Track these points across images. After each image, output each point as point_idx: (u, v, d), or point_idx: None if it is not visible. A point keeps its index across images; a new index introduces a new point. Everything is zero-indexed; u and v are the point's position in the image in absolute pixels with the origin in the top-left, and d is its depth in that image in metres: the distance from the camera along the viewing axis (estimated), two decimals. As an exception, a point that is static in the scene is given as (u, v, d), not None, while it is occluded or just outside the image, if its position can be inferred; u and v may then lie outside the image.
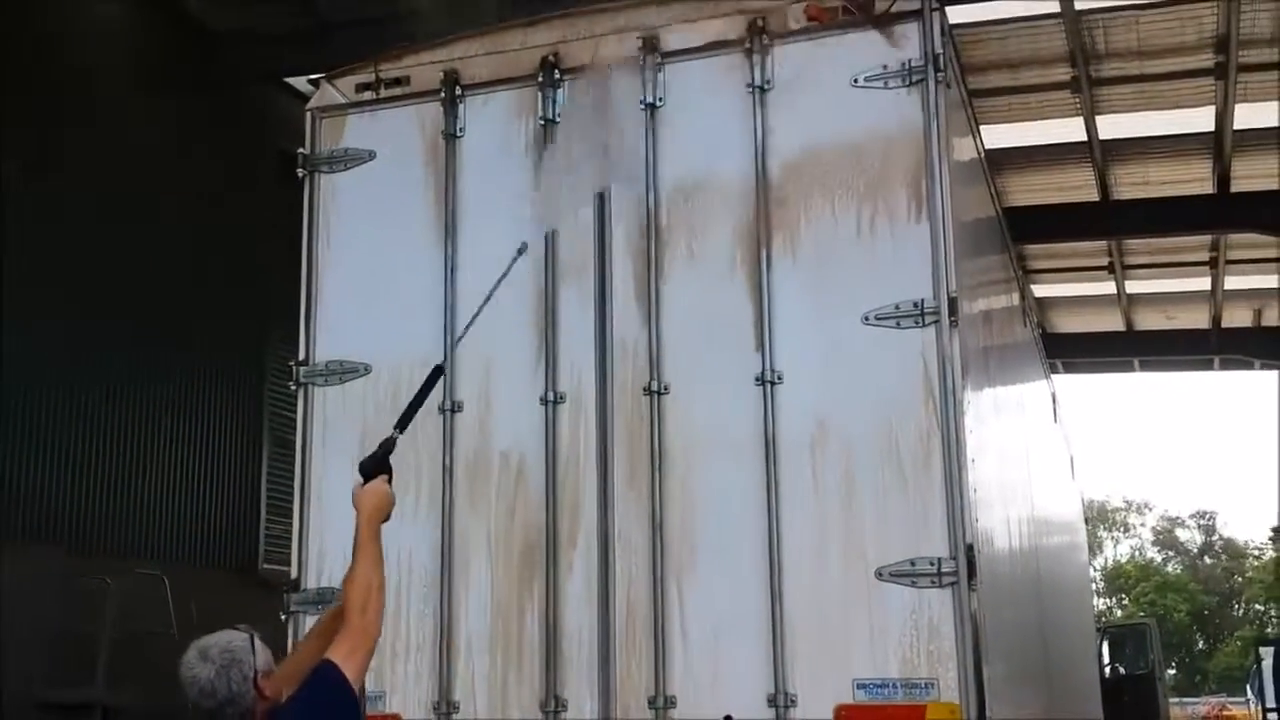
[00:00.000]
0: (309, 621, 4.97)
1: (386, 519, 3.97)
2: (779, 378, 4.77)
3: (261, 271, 7.82)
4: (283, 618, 4.98)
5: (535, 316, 5.05)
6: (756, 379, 4.77)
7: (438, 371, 4.26)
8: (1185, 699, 45.38)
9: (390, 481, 3.96)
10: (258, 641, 3.84)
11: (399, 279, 5.27)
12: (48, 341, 8.28)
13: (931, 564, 4.49)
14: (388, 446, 4.01)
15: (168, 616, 7.20)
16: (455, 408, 5.07)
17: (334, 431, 5.20)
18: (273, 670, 3.83)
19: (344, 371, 5.23)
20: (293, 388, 5.26)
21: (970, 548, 4.47)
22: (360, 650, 3.79)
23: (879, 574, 4.53)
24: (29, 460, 8.42)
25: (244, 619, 4.41)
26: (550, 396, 4.97)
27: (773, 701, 4.55)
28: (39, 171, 8.19)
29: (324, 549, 5.11)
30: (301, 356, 5.29)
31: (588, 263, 5.05)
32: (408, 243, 5.28)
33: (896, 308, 4.69)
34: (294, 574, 5.09)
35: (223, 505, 10.03)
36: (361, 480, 3.91)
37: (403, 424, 4.13)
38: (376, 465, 3.99)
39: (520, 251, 4.52)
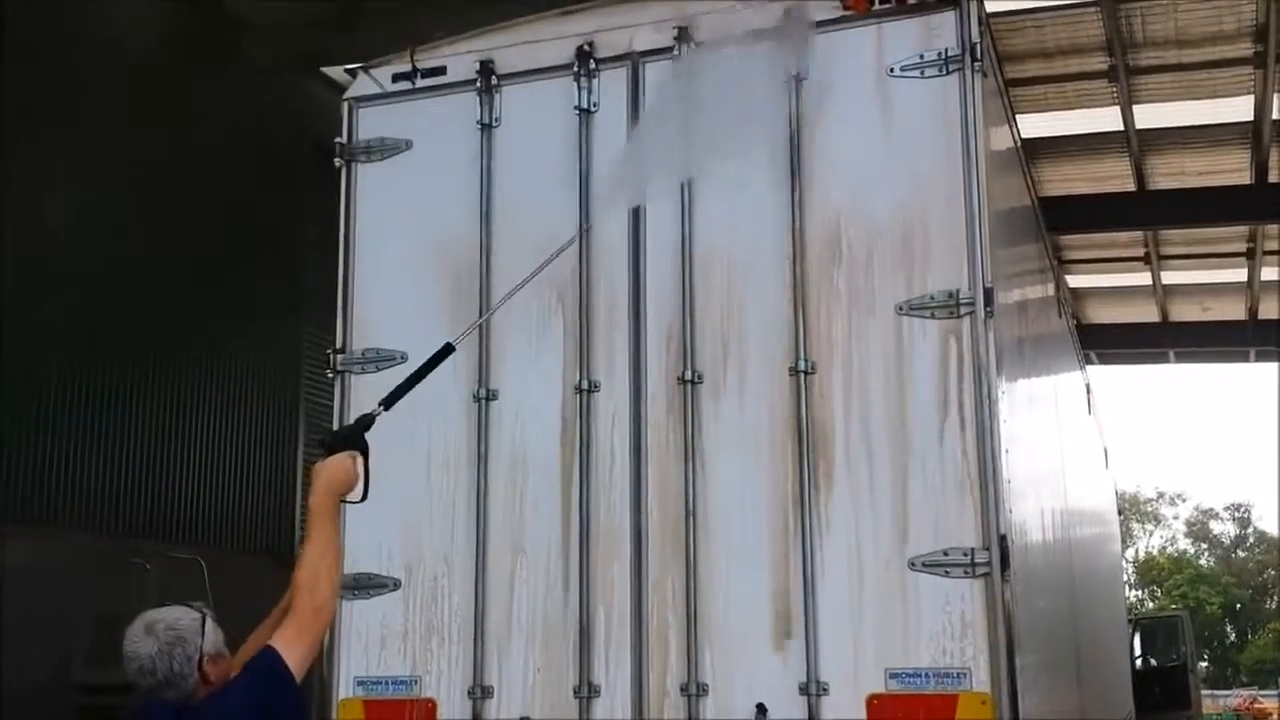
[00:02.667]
0: (345, 606, 5.03)
1: (350, 495, 3.73)
2: (812, 367, 4.77)
3: (298, 260, 7.88)
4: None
5: (570, 305, 5.07)
6: (790, 369, 4.78)
7: (447, 349, 4.12)
8: (1217, 691, 45.14)
9: (366, 459, 3.76)
10: (210, 622, 3.65)
11: (435, 268, 5.30)
12: (82, 327, 8.35)
13: (965, 554, 4.49)
14: (365, 422, 3.82)
15: (205, 600, 7.24)
16: (490, 396, 5.10)
17: (371, 419, 5.22)
18: (222, 655, 3.65)
19: (380, 360, 5.26)
20: (329, 375, 5.31)
21: (1004, 538, 4.47)
22: (307, 635, 3.60)
23: (912, 564, 4.54)
24: (66, 447, 8.50)
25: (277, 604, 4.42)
26: (584, 385, 4.99)
27: (804, 690, 4.56)
28: (73, 159, 8.24)
29: (358, 535, 5.13)
30: (338, 345, 5.33)
31: (622, 253, 5.07)
32: (444, 232, 5.31)
33: (931, 298, 4.69)
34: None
35: (258, 491, 10.11)
36: (324, 453, 3.73)
37: (389, 401, 3.94)
38: (344, 440, 3.80)
39: (571, 241, 4.49)
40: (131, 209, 8.54)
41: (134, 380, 8.93)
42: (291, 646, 3.55)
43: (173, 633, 3.56)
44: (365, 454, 3.79)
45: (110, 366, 8.70)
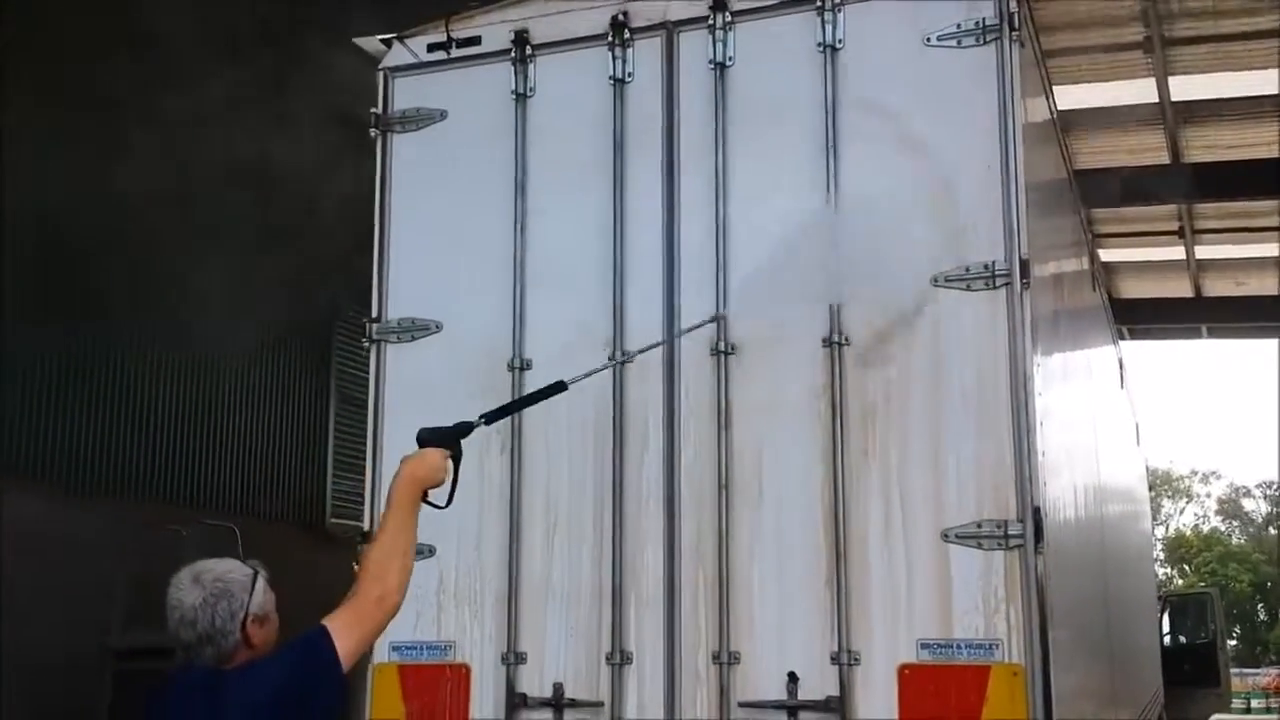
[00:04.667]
0: (380, 574, 5.06)
1: (428, 490, 3.65)
2: (846, 339, 4.77)
3: (332, 229, 7.90)
4: (355, 567, 5.05)
5: (603, 275, 5.08)
6: (824, 340, 4.78)
7: (559, 387, 4.06)
8: (1246, 669, 44.98)
9: (457, 465, 3.71)
10: (261, 581, 3.51)
11: (470, 237, 5.32)
12: (113, 295, 8.40)
13: (998, 526, 4.49)
14: (463, 428, 3.76)
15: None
16: (525, 365, 5.12)
17: (405, 388, 5.27)
18: (269, 618, 3.50)
19: (415, 329, 5.29)
20: (365, 345, 5.34)
21: (1037, 510, 4.47)
22: (366, 624, 3.45)
23: (945, 535, 4.54)
24: (99, 415, 8.56)
25: (312, 573, 4.43)
26: (618, 355, 5.00)
27: (836, 659, 4.58)
28: (101, 130, 8.28)
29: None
30: (374, 314, 5.36)
31: (656, 223, 5.07)
32: (479, 201, 5.32)
33: (967, 270, 4.67)
34: (366, 527, 5.17)
35: (291, 460, 10.17)
36: (417, 446, 3.68)
37: (491, 418, 3.91)
38: (439, 437, 3.74)
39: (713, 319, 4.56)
40: (159, 179, 8.56)
41: (166, 350, 8.98)
42: (346, 631, 3.41)
43: (220, 585, 3.43)
44: (458, 460, 3.74)
45: (141, 336, 8.75)
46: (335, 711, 3.57)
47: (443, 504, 3.76)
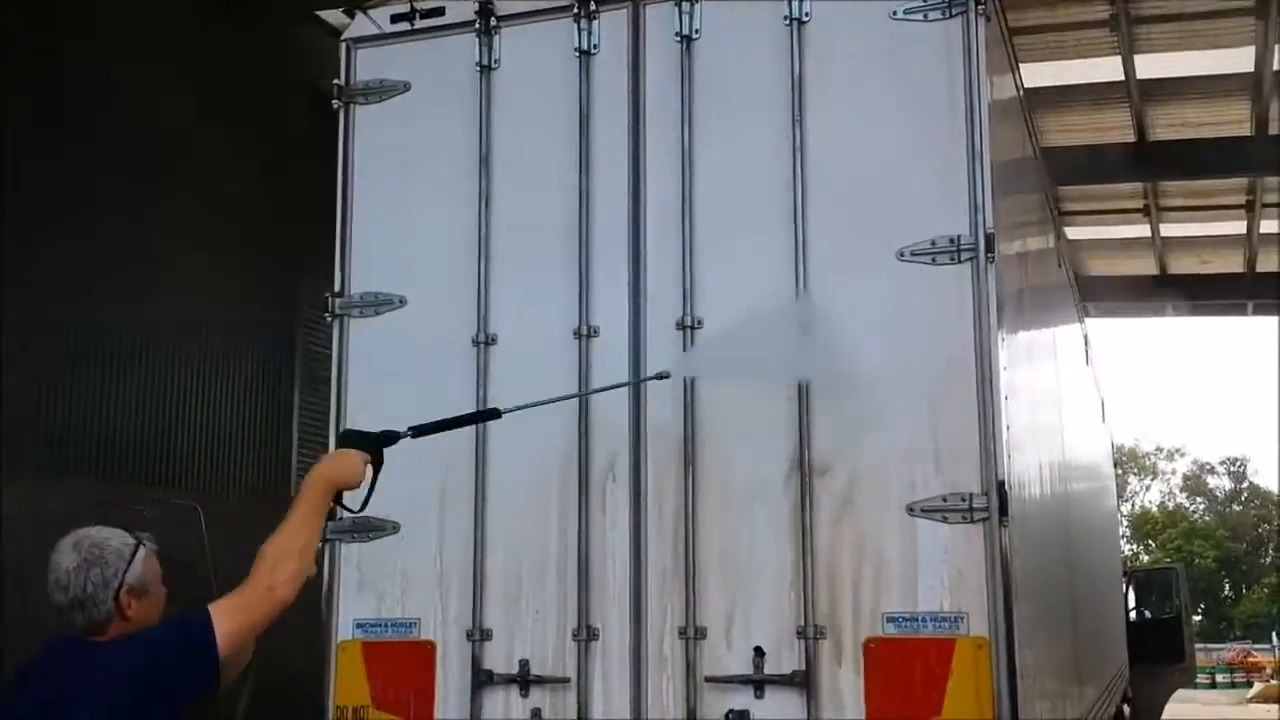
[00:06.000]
0: (344, 550, 5.04)
1: (342, 492, 3.66)
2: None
3: (293, 204, 7.84)
4: (318, 545, 5.01)
5: (569, 250, 5.04)
6: (790, 314, 4.77)
7: (493, 414, 4.13)
8: (1210, 645, 45.49)
9: (377, 472, 3.69)
10: (144, 553, 3.48)
11: (434, 211, 5.28)
12: (71, 273, 8.30)
13: (963, 499, 4.50)
14: (387, 436, 3.72)
15: (202, 547, 7.24)
16: (490, 340, 5.09)
17: (369, 363, 5.23)
18: (148, 592, 3.47)
19: (379, 303, 5.25)
20: (327, 319, 5.29)
21: (1002, 484, 4.48)
22: (252, 613, 3.39)
23: (910, 510, 4.55)
24: (59, 394, 8.47)
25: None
26: (584, 330, 4.97)
27: (802, 634, 4.59)
28: (64, 106, 8.17)
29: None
30: (336, 288, 5.31)
31: (621, 196, 5.04)
32: (442, 174, 5.28)
33: (932, 244, 4.67)
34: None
35: (254, 437, 10.09)
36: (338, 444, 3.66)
37: (418, 432, 3.87)
38: (362, 440, 3.71)
39: (660, 376, 4.48)
40: (120, 156, 8.47)
41: (128, 326, 8.89)
42: (229, 616, 3.35)
43: (96, 551, 3.40)
44: (378, 467, 3.70)
45: (102, 312, 8.65)
46: (203, 698, 3.50)
47: (355, 509, 3.73)
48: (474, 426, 4.91)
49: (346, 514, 3.71)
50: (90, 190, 8.22)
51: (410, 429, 3.84)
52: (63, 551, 3.41)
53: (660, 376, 4.53)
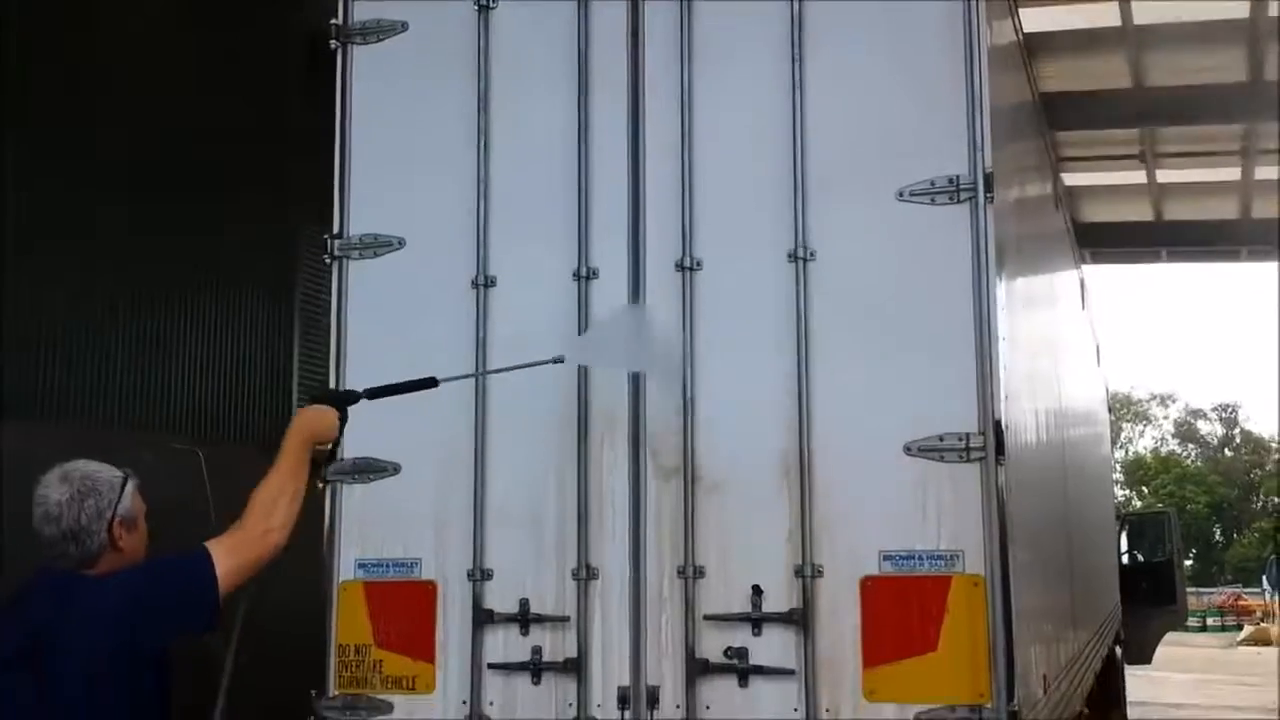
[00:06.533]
0: (345, 490, 5.06)
1: (322, 446, 4.01)
2: (812, 254, 4.77)
3: (291, 147, 7.82)
4: (320, 486, 5.05)
5: (568, 191, 5.04)
6: (789, 255, 4.77)
7: (431, 382, 4.46)
8: (1202, 589, 45.85)
9: (342, 429, 4.12)
10: (131, 486, 3.53)
11: (432, 152, 5.25)
12: (73, 220, 8.28)
13: (960, 439, 4.53)
14: (349, 395, 4.10)
15: (204, 492, 7.28)
16: (489, 282, 5.09)
17: (369, 304, 5.22)
18: (138, 526, 3.53)
19: (378, 245, 5.24)
20: (327, 260, 5.27)
21: (999, 423, 4.51)
22: (248, 553, 3.48)
23: (907, 449, 4.57)
24: (65, 340, 8.47)
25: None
26: (583, 271, 4.98)
27: (799, 573, 4.63)
28: (61, 51, 8.13)
29: (359, 422, 5.13)
30: (335, 230, 5.29)
31: (621, 136, 5.03)
32: (441, 115, 5.25)
33: (932, 184, 4.67)
34: (329, 447, 5.14)
35: (255, 382, 10.12)
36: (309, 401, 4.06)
37: (374, 393, 4.30)
38: (332, 397, 4.10)
39: (556, 360, 4.64)
40: (118, 106, 8.43)
41: (129, 273, 8.89)
42: (228, 556, 3.43)
43: (88, 482, 3.44)
44: (343, 424, 4.08)
45: (104, 259, 8.65)
46: (199, 633, 3.54)
47: (324, 460, 3.99)
48: (474, 364, 4.97)
49: (320, 480, 4.00)
50: (89, 138, 8.19)
51: (366, 390, 4.19)
52: (51, 485, 3.43)
53: (555, 361, 4.66)
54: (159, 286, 9.01)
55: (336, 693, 5.01)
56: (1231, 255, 20.76)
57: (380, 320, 5.19)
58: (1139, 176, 17.21)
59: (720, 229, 4.88)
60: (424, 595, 4.99)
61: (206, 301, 9.56)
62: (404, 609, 5.00)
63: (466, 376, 4.82)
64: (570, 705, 4.79)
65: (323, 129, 5.41)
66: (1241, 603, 45.50)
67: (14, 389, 7.93)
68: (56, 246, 8.03)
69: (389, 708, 4.97)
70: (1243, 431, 64.41)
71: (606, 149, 5.03)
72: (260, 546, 3.54)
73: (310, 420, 3.88)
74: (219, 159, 9.02)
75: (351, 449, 5.05)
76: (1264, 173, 16.66)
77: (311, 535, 5.07)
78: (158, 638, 3.42)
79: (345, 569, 5.07)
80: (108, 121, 8.29)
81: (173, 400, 9.25)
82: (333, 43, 5.39)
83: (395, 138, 5.31)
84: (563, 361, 4.68)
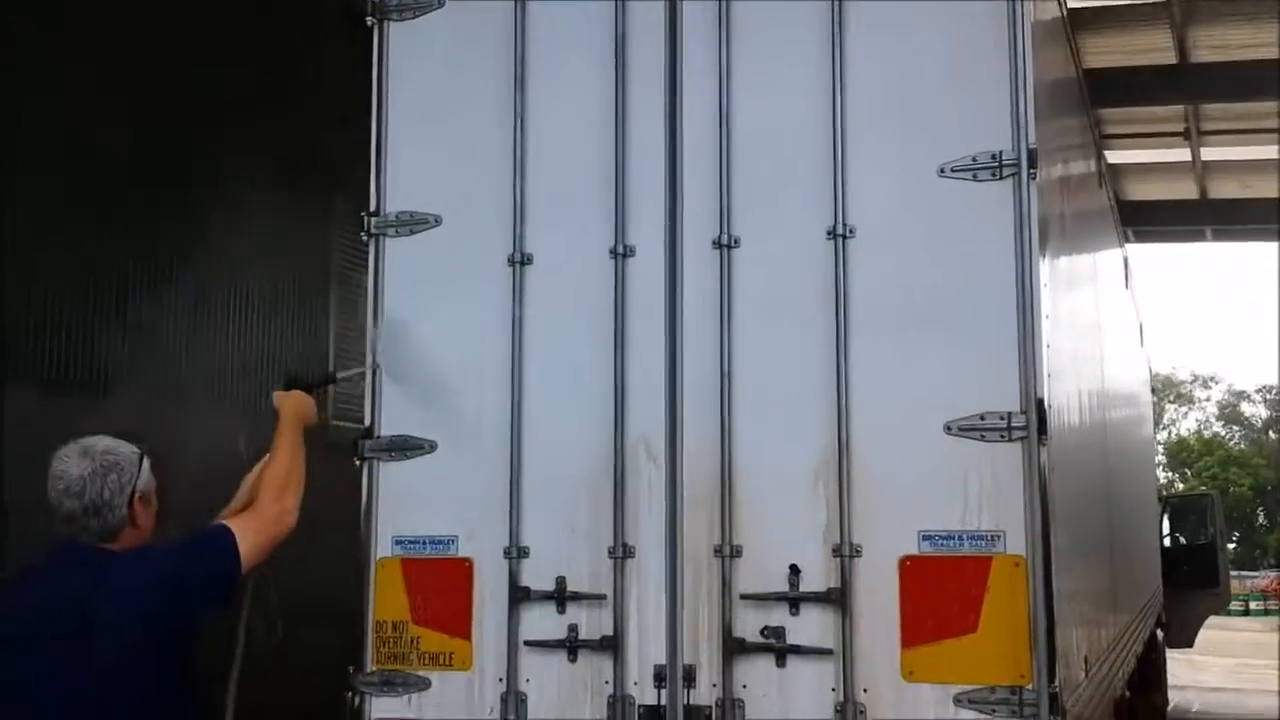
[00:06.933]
0: (383, 468, 5.06)
1: (307, 425, 4.12)
2: (851, 231, 4.72)
3: (328, 124, 7.81)
4: (356, 463, 5.06)
5: (605, 169, 5.00)
6: (828, 232, 4.73)
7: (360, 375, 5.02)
8: (1244, 572, 45.46)
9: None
10: (147, 463, 3.55)
11: (469, 129, 5.23)
12: (109, 197, 8.29)
13: (1001, 418, 4.48)
14: (320, 380, 4.70)
15: (241, 464, 7.28)
16: (525, 260, 5.07)
17: (404, 284, 5.22)
18: (153, 502, 3.55)
19: (414, 223, 5.23)
20: (364, 239, 5.27)
21: (1041, 402, 4.45)
22: (264, 535, 3.51)
23: (948, 428, 4.52)
24: (88, 318, 8.49)
25: (313, 474, 4.44)
26: (620, 249, 4.95)
27: (838, 552, 4.59)
28: (92, 19, 8.12)
29: (396, 401, 5.16)
30: (372, 208, 5.29)
31: (658, 113, 4.99)
32: (477, 92, 5.22)
33: (974, 159, 4.61)
34: (367, 421, 5.16)
35: (290, 363, 10.13)
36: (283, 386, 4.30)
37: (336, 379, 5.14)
38: (302, 382, 4.43)
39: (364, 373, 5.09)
40: (148, 76, 8.43)
41: (169, 249, 8.91)
42: (249, 536, 3.45)
43: (110, 458, 3.46)
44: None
45: (137, 242, 8.67)
46: (218, 610, 3.57)
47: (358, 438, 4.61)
48: (510, 342, 4.99)
49: (357, 457, 4.27)
50: (122, 105, 8.19)
51: (335, 373, 4.78)
52: (70, 459, 3.44)
53: (359, 374, 5.25)
54: (192, 263, 9.02)
55: (374, 668, 5.04)
56: (1277, 235, 20.49)
57: (416, 297, 5.19)
58: (1183, 154, 16.99)
59: (758, 206, 4.84)
60: (460, 572, 5.00)
61: (242, 280, 9.57)
62: (441, 586, 5.01)
63: (357, 372, 5.32)
64: (606, 683, 4.78)
65: (360, 106, 5.39)
66: (1285, 586, 45.11)
67: (49, 362, 7.96)
68: (86, 214, 8.04)
69: (426, 684, 4.98)
70: (1288, 414, 63.77)
71: (644, 125, 4.99)
72: (277, 527, 3.59)
73: (297, 405, 4.02)
74: (253, 134, 9.02)
75: (388, 426, 5.07)
76: (1312, 151, 16.44)
77: (349, 511, 5.09)
78: (186, 614, 3.44)
79: (383, 546, 5.08)
80: (143, 91, 8.28)
81: (208, 375, 9.26)
82: (369, 19, 5.38)
83: (432, 115, 5.30)
84: (362, 374, 5.26)
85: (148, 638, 3.34)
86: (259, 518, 3.53)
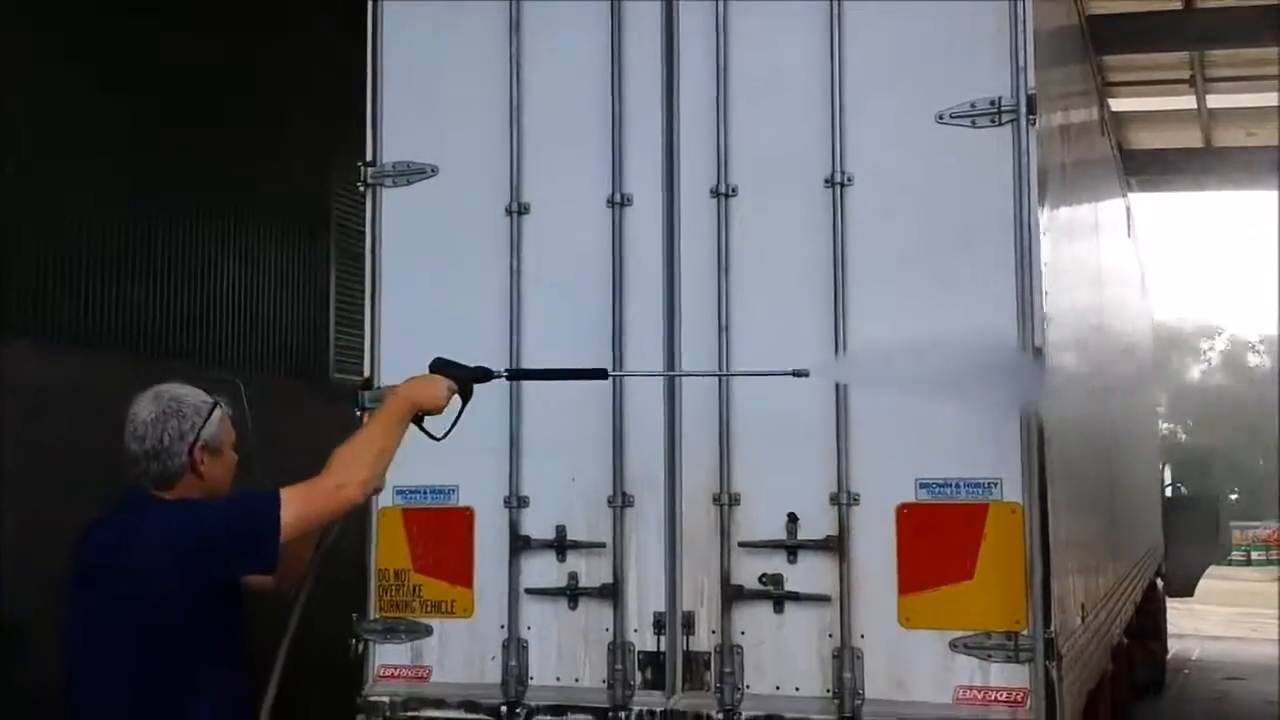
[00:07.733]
0: (383, 418, 5.06)
1: (429, 421, 3.80)
2: (849, 179, 4.70)
3: (324, 77, 7.79)
4: (358, 413, 5.07)
5: (601, 117, 4.98)
6: (826, 180, 4.71)
7: (601, 373, 4.35)
8: (1246, 522, 45.51)
9: (464, 404, 3.87)
10: (220, 413, 3.54)
11: (464, 78, 5.21)
12: (109, 149, 8.29)
13: (999, 368, 4.48)
14: (481, 374, 3.90)
15: (244, 424, 7.29)
16: (523, 209, 5.06)
17: (402, 232, 5.22)
18: (222, 453, 3.53)
19: (411, 172, 5.21)
20: (360, 189, 5.26)
21: (1039, 350, 4.45)
22: (316, 504, 3.43)
23: (946, 375, 4.52)
24: (103, 271, 8.51)
25: (315, 425, 4.42)
26: (617, 198, 4.94)
27: (835, 500, 4.61)
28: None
29: (392, 350, 5.16)
30: (369, 158, 5.27)
31: (655, 62, 4.96)
32: (472, 41, 5.19)
33: (972, 106, 4.58)
34: (367, 372, 5.17)
35: (292, 314, 10.15)
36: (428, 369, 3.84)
37: (515, 375, 4.54)
38: (454, 371, 3.85)
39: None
40: (151, 41, 8.40)
41: (167, 204, 8.90)
42: (295, 504, 3.38)
43: (175, 404, 3.46)
44: (466, 399, 3.86)
45: (142, 190, 8.66)
46: (258, 573, 3.57)
47: (438, 435, 3.83)
48: (508, 292, 4.94)
49: (429, 437, 3.85)
50: (126, 61, 8.17)
51: (505, 370, 4.09)
52: (142, 403, 3.47)
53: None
54: (194, 214, 9.02)
55: (377, 616, 5.08)
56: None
57: (414, 247, 5.19)
58: (1188, 102, 16.86)
59: (756, 154, 4.82)
60: (461, 521, 5.03)
61: (242, 230, 9.56)
62: (442, 535, 5.04)
63: (640, 375, 4.81)
64: (606, 630, 4.82)
65: (357, 55, 5.37)
66: (1287, 536, 45.21)
67: (49, 315, 7.98)
68: (90, 169, 8.04)
69: (428, 631, 5.03)
70: (1291, 364, 63.68)
71: (641, 73, 4.97)
72: (332, 500, 3.46)
73: (415, 390, 3.75)
74: (253, 87, 8.99)
75: (387, 377, 5.07)
76: (1317, 98, 16.32)
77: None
78: (222, 572, 3.43)
79: (384, 495, 5.07)
80: (143, 47, 8.26)
81: (210, 330, 9.29)
82: (366, -32, 5.34)
83: (427, 64, 5.27)
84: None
85: (180, 591, 3.33)
86: (315, 488, 3.44)
